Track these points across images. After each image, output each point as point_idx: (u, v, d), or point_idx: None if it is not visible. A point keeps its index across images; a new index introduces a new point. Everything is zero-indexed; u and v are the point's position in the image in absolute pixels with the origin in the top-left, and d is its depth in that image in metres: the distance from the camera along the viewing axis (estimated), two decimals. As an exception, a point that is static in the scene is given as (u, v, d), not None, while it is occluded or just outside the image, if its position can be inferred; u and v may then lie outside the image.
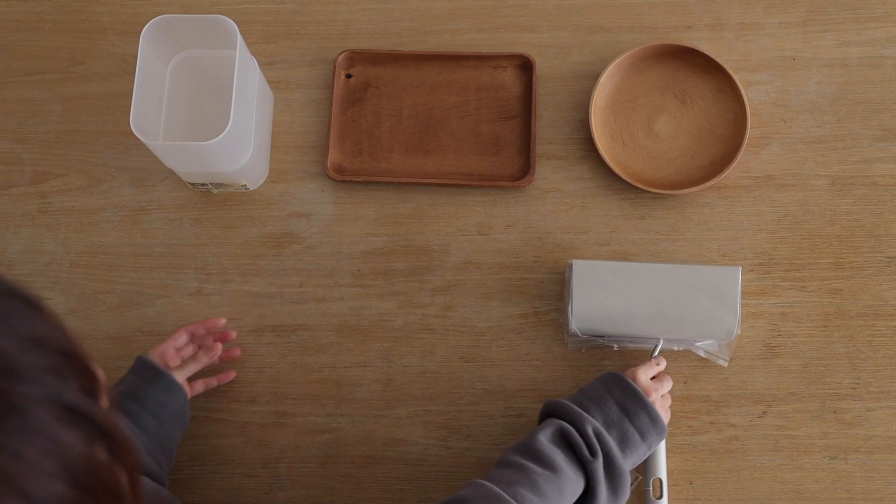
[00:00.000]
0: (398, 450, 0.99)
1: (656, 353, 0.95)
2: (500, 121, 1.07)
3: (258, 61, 1.03)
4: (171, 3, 1.12)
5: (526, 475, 0.80)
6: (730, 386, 0.99)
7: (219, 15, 0.95)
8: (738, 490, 0.96)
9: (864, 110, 1.05)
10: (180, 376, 0.92)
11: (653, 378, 0.92)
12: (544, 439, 0.83)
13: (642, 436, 0.86)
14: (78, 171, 1.08)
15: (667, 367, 0.97)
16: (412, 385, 1.00)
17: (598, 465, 0.83)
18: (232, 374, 1.00)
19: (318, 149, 1.07)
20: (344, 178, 1.05)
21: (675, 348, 0.97)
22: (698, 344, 0.96)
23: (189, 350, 0.96)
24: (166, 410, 0.89)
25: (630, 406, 0.87)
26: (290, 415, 1.00)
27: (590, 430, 0.84)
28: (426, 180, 1.04)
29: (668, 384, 0.93)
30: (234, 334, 1.00)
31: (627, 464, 0.86)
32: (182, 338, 0.95)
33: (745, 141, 1.01)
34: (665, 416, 0.90)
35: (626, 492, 0.85)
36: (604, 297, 0.94)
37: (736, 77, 1.03)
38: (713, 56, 1.04)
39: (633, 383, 0.88)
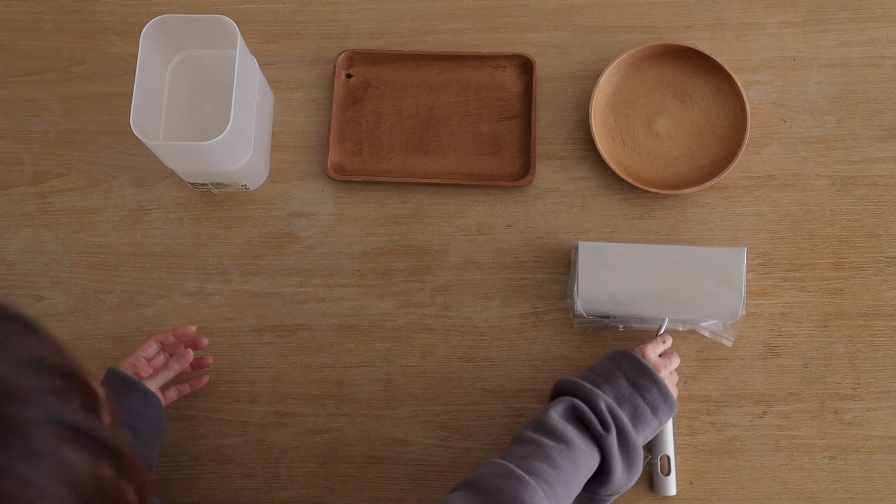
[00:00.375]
0: (398, 450, 0.99)
1: (661, 333, 0.96)
2: (500, 121, 1.07)
3: (258, 61, 1.03)
4: (171, 3, 1.12)
5: (539, 449, 0.81)
6: (730, 386, 0.99)
7: (219, 15, 0.95)
8: (738, 490, 0.96)
9: (864, 110, 1.05)
10: (153, 385, 0.90)
11: (660, 356, 0.93)
12: (556, 415, 0.84)
13: (653, 410, 0.87)
14: (78, 170, 1.08)
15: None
16: (412, 385, 1.00)
17: (613, 440, 0.84)
18: (205, 379, 0.99)
19: (318, 149, 1.07)
20: (344, 178, 1.05)
21: (681, 329, 0.98)
22: (703, 324, 0.97)
23: (160, 359, 0.95)
24: (141, 420, 0.88)
25: (641, 381, 0.87)
26: (290, 415, 1.00)
27: (602, 406, 0.84)
28: (426, 180, 1.04)
29: (675, 361, 0.94)
30: (205, 341, 0.99)
31: (640, 439, 0.86)
32: (152, 347, 0.94)
33: (746, 141, 1.01)
34: (674, 392, 0.91)
35: (639, 467, 0.86)
36: (609, 278, 0.94)
37: (736, 77, 1.03)
38: (713, 56, 1.04)
39: (642, 359, 0.89)
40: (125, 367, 0.91)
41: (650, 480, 0.96)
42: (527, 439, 0.83)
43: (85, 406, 0.47)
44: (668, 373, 0.92)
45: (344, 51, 1.08)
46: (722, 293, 0.94)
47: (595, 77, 1.06)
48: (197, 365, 0.98)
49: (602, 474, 0.85)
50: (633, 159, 1.05)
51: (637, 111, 1.06)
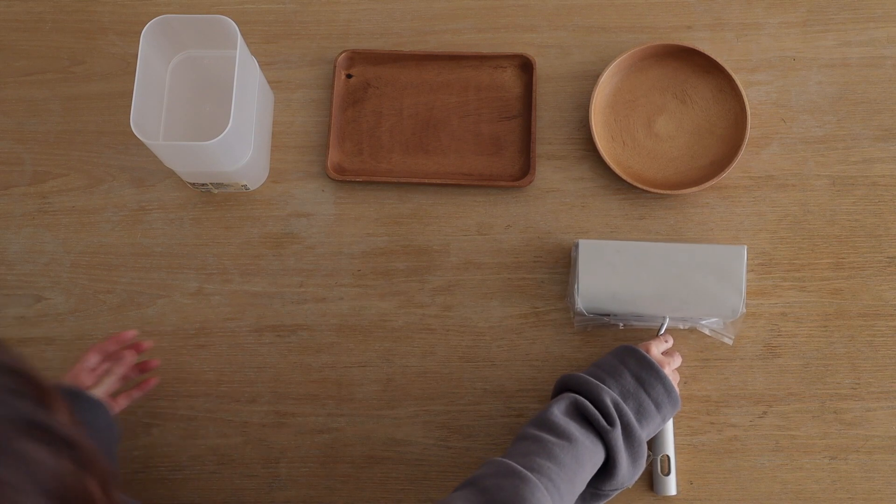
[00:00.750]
0: (398, 450, 0.99)
1: (662, 332, 0.96)
2: (500, 121, 1.07)
3: (258, 61, 1.03)
4: (171, 3, 1.12)
5: (542, 445, 0.81)
6: (730, 386, 0.99)
7: (219, 15, 0.95)
8: (738, 490, 0.96)
9: (864, 110, 1.05)
10: (99, 392, 0.90)
11: (663, 354, 0.94)
12: (559, 412, 0.84)
13: (658, 406, 0.87)
14: (78, 171, 1.08)
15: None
16: (412, 385, 1.00)
17: (618, 434, 0.83)
18: (153, 382, 0.98)
19: (318, 149, 1.07)
20: (344, 178, 1.05)
21: (681, 327, 0.98)
22: (704, 322, 0.97)
23: (103, 368, 0.94)
24: (91, 428, 0.86)
25: (645, 377, 0.87)
26: (290, 415, 1.00)
27: (608, 401, 0.84)
28: (426, 180, 1.04)
29: (677, 360, 0.95)
30: (147, 345, 0.98)
31: (644, 434, 0.86)
32: (92, 358, 0.93)
33: (746, 141, 1.01)
34: (674, 375, 0.92)
35: (643, 462, 0.86)
36: (609, 276, 0.95)
37: (736, 77, 1.03)
38: (713, 56, 1.04)
39: (647, 355, 0.89)
40: (67, 380, 0.90)
41: (650, 480, 0.96)
42: (529, 436, 0.83)
43: (40, 402, 0.47)
44: (671, 370, 0.93)
45: (344, 51, 1.08)
46: (722, 291, 0.94)
47: (595, 77, 1.06)
48: (143, 368, 0.97)
49: (607, 469, 0.85)
50: (633, 159, 1.05)
51: (637, 111, 1.06)
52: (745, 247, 0.95)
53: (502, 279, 1.03)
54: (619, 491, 0.87)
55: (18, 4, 1.13)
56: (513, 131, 1.06)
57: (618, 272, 0.95)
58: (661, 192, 1.01)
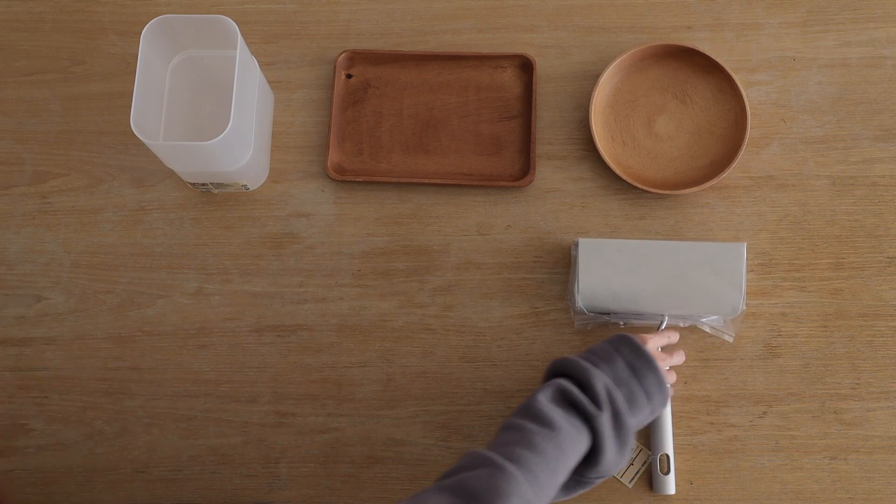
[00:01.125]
0: (398, 450, 0.99)
1: (663, 329, 0.96)
2: (500, 121, 1.07)
3: (258, 61, 1.03)
4: (171, 3, 1.12)
5: (523, 434, 0.80)
6: (730, 386, 0.99)
7: (219, 15, 0.95)
8: (738, 490, 0.96)
9: (864, 110, 1.05)
10: None
11: (664, 350, 0.93)
12: (544, 399, 0.83)
13: (648, 396, 0.86)
14: (78, 171, 1.08)
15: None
16: (412, 385, 1.00)
17: (606, 419, 0.83)
18: None
19: (318, 149, 1.07)
20: (344, 178, 1.05)
21: (681, 325, 0.98)
22: (704, 320, 0.97)
23: None
24: None
25: (638, 366, 0.87)
26: (290, 415, 1.00)
27: (599, 385, 0.83)
28: (426, 180, 1.04)
29: (678, 357, 0.94)
30: None
31: (633, 423, 0.85)
32: None
33: (746, 141, 1.01)
34: (670, 384, 0.91)
35: (628, 451, 0.85)
36: (610, 274, 0.95)
37: (736, 77, 1.03)
38: (713, 56, 1.04)
39: (642, 345, 0.88)
40: None
41: (649, 479, 0.96)
42: (512, 426, 0.82)
43: None
44: (667, 366, 0.92)
45: (344, 51, 1.08)
46: (722, 288, 0.94)
47: (595, 77, 1.06)
48: None
49: (593, 456, 0.84)
50: (633, 159, 1.05)
51: (637, 111, 1.06)
52: (745, 244, 0.95)
53: (502, 279, 1.03)
54: (603, 479, 0.86)
55: (18, 4, 1.13)
56: (513, 131, 1.06)
57: (618, 270, 0.95)
58: (661, 192, 1.01)
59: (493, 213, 1.04)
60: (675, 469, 0.96)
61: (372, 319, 1.02)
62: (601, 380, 0.84)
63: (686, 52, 1.05)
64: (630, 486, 0.97)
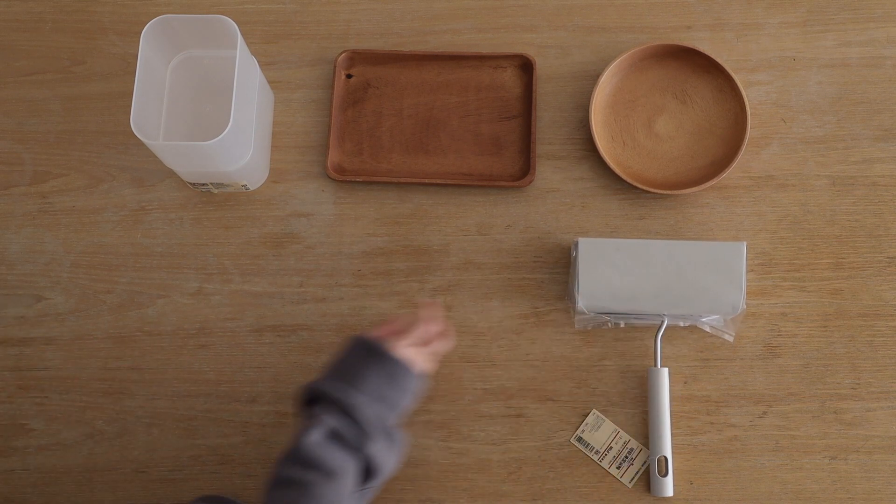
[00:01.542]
0: (398, 450, 0.99)
1: (662, 331, 0.96)
2: (500, 121, 1.07)
3: (258, 61, 1.03)
4: (171, 3, 1.12)
5: (303, 491, 0.77)
6: (730, 386, 0.99)
7: (219, 15, 0.95)
8: (738, 490, 0.96)
9: (864, 110, 1.05)
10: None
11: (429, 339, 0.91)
12: (315, 441, 0.79)
13: (408, 394, 0.86)
14: (78, 171, 1.08)
15: (670, 355, 0.97)
16: (412, 385, 1.00)
17: (378, 445, 0.81)
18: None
19: (318, 149, 1.07)
20: (344, 178, 1.05)
21: (682, 324, 0.98)
22: (704, 319, 0.97)
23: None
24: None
25: (391, 372, 0.85)
26: (290, 415, 1.00)
27: (367, 413, 0.81)
28: (426, 180, 1.04)
29: (444, 345, 0.92)
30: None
31: (397, 420, 0.85)
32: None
33: (746, 141, 1.01)
34: (426, 365, 0.90)
35: (399, 445, 0.85)
36: (610, 274, 0.95)
37: (736, 77, 1.03)
38: (713, 56, 1.04)
39: (379, 345, 0.85)
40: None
41: (647, 482, 0.96)
42: (288, 481, 0.78)
43: None
44: (414, 348, 0.89)
45: (344, 51, 1.08)
46: (722, 288, 0.94)
47: (595, 77, 1.06)
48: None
49: (370, 474, 0.82)
50: (633, 159, 1.05)
51: (637, 111, 1.06)
52: (745, 243, 0.95)
53: (502, 279, 1.03)
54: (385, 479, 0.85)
55: (18, 4, 1.13)
56: (513, 131, 1.06)
57: (618, 270, 0.95)
58: (661, 192, 1.01)
59: (493, 213, 1.04)
60: (675, 469, 0.96)
61: (372, 319, 1.02)
62: (367, 407, 0.82)
63: (686, 52, 1.05)
64: (630, 486, 0.97)
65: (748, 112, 1.02)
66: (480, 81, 1.08)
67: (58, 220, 1.06)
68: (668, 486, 0.95)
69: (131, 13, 1.12)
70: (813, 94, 1.06)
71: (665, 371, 0.96)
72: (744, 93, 1.03)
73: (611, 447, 0.98)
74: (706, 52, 1.04)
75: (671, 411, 0.97)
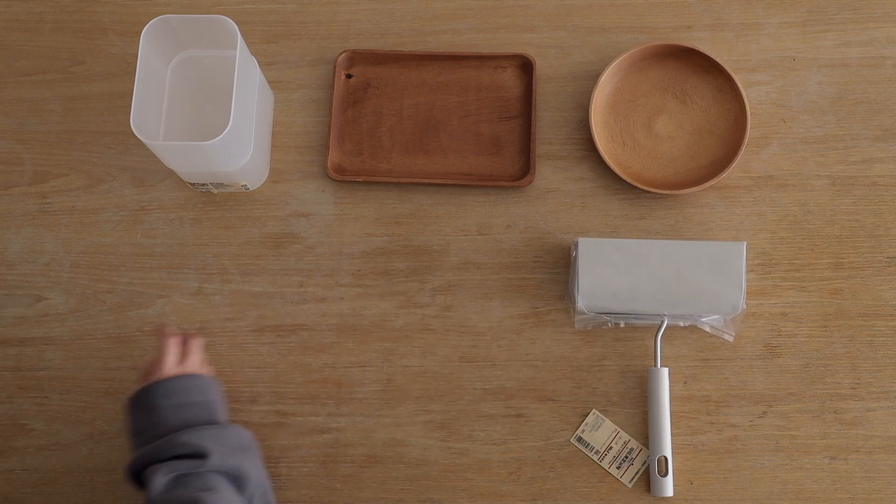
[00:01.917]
0: (398, 450, 0.99)
1: (662, 331, 0.96)
2: (500, 121, 1.07)
3: (258, 61, 1.03)
4: (171, 3, 1.12)
5: None
6: (730, 386, 0.99)
7: (219, 15, 0.95)
8: (738, 490, 0.96)
9: (864, 110, 1.05)
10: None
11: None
12: (160, 487, 0.77)
13: (198, 392, 0.86)
14: (78, 171, 1.08)
15: (670, 355, 0.97)
16: (412, 385, 1.00)
17: (219, 455, 0.80)
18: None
19: (318, 149, 1.07)
20: (344, 178, 1.05)
21: (682, 324, 0.98)
22: (704, 319, 0.97)
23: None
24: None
25: (171, 387, 0.85)
26: (290, 415, 1.00)
27: (182, 439, 0.80)
28: (426, 180, 1.04)
29: (196, 348, 0.93)
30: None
31: (242, 460, 0.82)
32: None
33: (745, 141, 1.01)
34: (205, 369, 0.92)
35: (243, 439, 0.85)
36: (610, 274, 0.95)
37: (736, 77, 1.03)
38: (713, 56, 1.04)
39: (144, 386, 0.86)
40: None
41: (647, 482, 0.96)
42: None
43: None
44: (181, 361, 0.90)
45: (344, 51, 1.08)
46: (722, 287, 0.94)
47: (595, 77, 1.06)
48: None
49: (239, 482, 0.80)
50: (633, 159, 1.05)
51: (637, 111, 1.06)
52: (745, 243, 0.95)
53: (502, 279, 1.03)
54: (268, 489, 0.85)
55: (18, 4, 1.13)
56: (513, 131, 1.06)
57: (618, 270, 0.95)
58: (661, 192, 1.01)
59: (493, 213, 1.04)
60: (675, 469, 0.96)
61: (372, 319, 1.02)
62: (182, 433, 0.81)
63: (686, 52, 1.05)
64: (630, 486, 0.97)
65: (748, 112, 1.02)
66: (480, 81, 1.08)
67: (58, 220, 1.06)
68: (668, 486, 0.95)
69: (131, 13, 1.12)
70: (813, 94, 1.06)
71: (665, 371, 0.96)
72: (744, 93, 1.03)
73: (611, 447, 0.98)
74: (706, 52, 1.04)
75: (671, 411, 0.97)
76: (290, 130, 1.08)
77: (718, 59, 1.04)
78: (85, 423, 1.01)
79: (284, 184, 1.06)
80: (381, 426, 1.00)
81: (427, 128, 1.07)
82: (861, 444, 0.97)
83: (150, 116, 0.99)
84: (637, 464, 0.97)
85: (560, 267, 1.02)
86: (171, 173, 1.05)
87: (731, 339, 0.98)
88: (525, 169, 1.05)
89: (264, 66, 1.07)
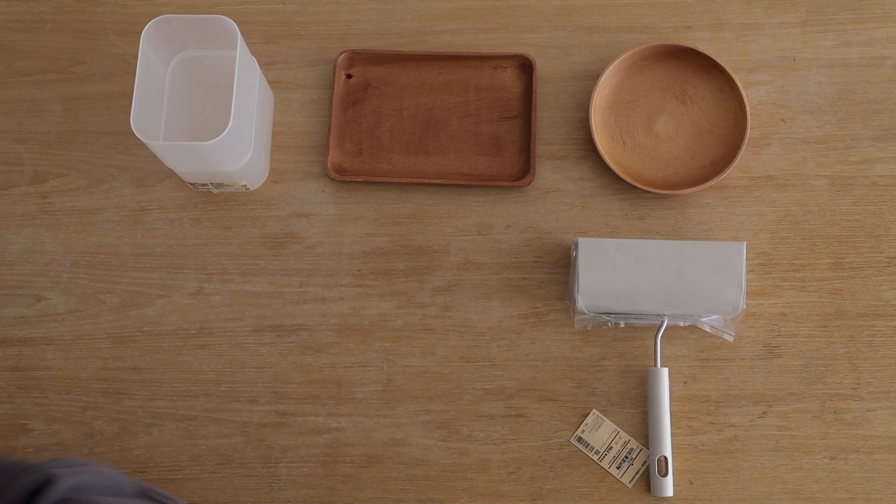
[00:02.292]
0: (398, 450, 0.99)
1: (661, 331, 0.96)
2: (500, 121, 1.07)
3: (258, 61, 1.03)
4: (171, 3, 1.12)
5: None
6: (730, 386, 0.99)
7: (219, 15, 0.95)
8: (738, 490, 0.96)
9: (864, 110, 1.05)
10: None
11: None
12: None
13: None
14: (78, 171, 1.08)
15: (670, 355, 0.97)
16: (412, 385, 1.00)
17: None
18: None
19: (318, 149, 1.07)
20: (344, 178, 1.05)
21: (682, 324, 0.98)
22: (704, 319, 0.97)
23: None
24: None
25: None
26: (290, 415, 1.00)
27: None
28: (426, 180, 1.04)
29: None
30: None
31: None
32: None
33: (745, 141, 1.01)
34: None
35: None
36: (610, 273, 0.95)
37: (736, 77, 1.03)
38: (713, 56, 1.04)
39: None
40: None
41: (647, 482, 0.96)
42: None
43: None
44: None
45: (344, 51, 1.08)
46: (722, 287, 0.94)
47: (595, 77, 1.06)
48: None
49: None
50: (633, 159, 1.05)
51: (637, 111, 1.06)
52: (745, 243, 0.95)
53: (502, 279, 1.03)
54: None
55: (18, 4, 1.13)
56: (513, 131, 1.06)
57: (618, 270, 0.95)
58: (661, 192, 1.01)
59: (493, 213, 1.04)
60: (675, 469, 0.96)
61: (372, 319, 1.02)
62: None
63: (686, 52, 1.05)
64: (630, 486, 0.97)
65: (748, 112, 1.02)
66: (480, 81, 1.08)
67: (58, 220, 1.06)
68: (668, 486, 0.95)
69: (131, 13, 1.12)
70: (813, 94, 1.06)
71: (665, 371, 0.97)
72: (744, 93, 1.03)
73: (611, 447, 0.98)
74: (706, 52, 1.04)
75: (671, 411, 0.97)
76: (290, 130, 1.08)
77: (718, 59, 1.04)
78: (85, 423, 1.01)
79: (284, 184, 1.06)
80: (381, 426, 1.00)
81: (427, 128, 1.07)
82: (861, 444, 0.97)
83: (150, 116, 0.99)
84: (637, 464, 0.97)
85: (560, 267, 1.02)
86: (171, 173, 1.05)
87: (731, 339, 0.98)
88: (525, 169, 1.05)
89: (264, 66, 1.07)
